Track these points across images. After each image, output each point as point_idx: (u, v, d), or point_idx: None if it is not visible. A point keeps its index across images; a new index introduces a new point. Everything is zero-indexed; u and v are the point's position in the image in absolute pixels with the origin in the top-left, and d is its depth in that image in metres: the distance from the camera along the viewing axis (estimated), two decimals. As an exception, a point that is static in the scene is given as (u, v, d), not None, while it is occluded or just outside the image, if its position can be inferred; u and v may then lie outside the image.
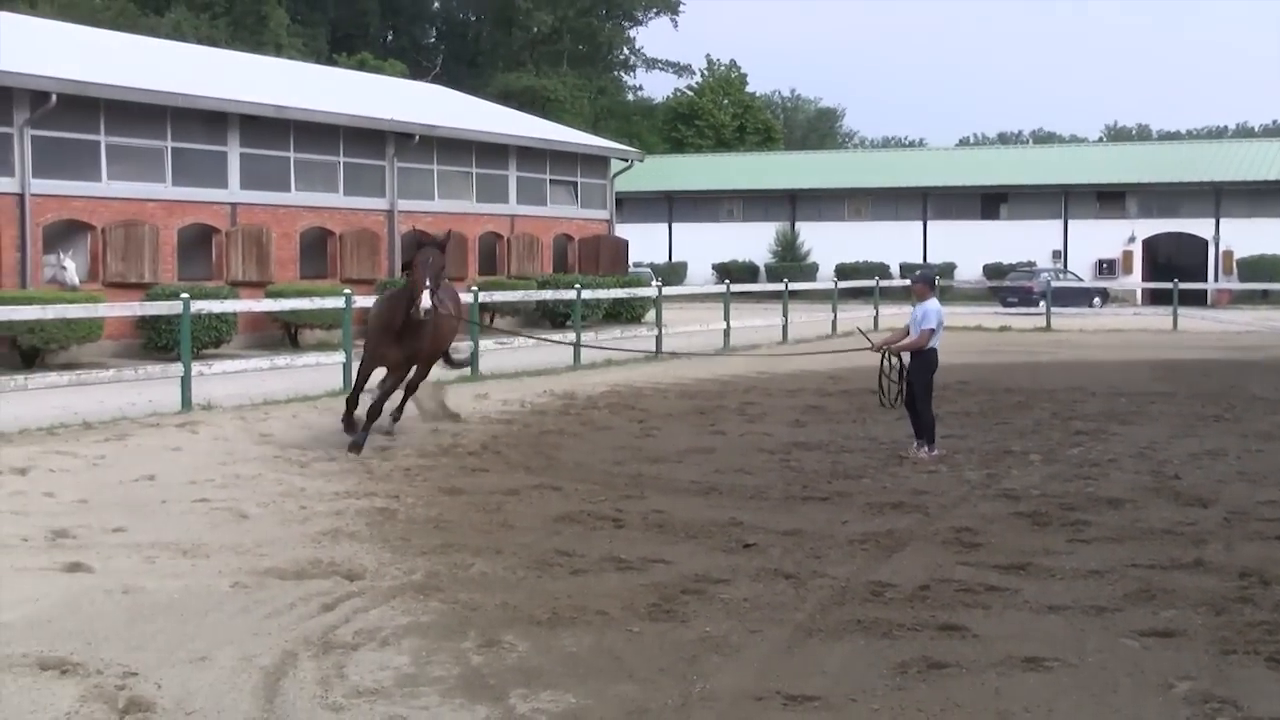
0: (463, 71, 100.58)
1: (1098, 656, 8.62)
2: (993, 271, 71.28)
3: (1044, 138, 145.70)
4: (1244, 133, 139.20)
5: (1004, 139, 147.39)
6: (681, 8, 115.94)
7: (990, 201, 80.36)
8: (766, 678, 8.10)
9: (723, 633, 9.05)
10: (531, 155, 49.05)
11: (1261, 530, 12.48)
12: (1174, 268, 67.75)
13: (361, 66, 78.51)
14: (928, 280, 17.88)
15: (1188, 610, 9.67)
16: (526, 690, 7.85)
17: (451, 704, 7.64)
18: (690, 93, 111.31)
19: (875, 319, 44.63)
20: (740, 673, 8.21)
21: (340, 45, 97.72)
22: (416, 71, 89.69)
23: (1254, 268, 69.52)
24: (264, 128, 37.77)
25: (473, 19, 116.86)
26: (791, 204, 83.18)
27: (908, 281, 49.85)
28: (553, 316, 42.36)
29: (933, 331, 16.96)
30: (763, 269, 78.57)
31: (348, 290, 27.14)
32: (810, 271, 76.82)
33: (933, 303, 17.22)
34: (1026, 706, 7.66)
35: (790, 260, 79.48)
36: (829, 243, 79.03)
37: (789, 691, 7.80)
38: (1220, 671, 8.31)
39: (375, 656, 8.48)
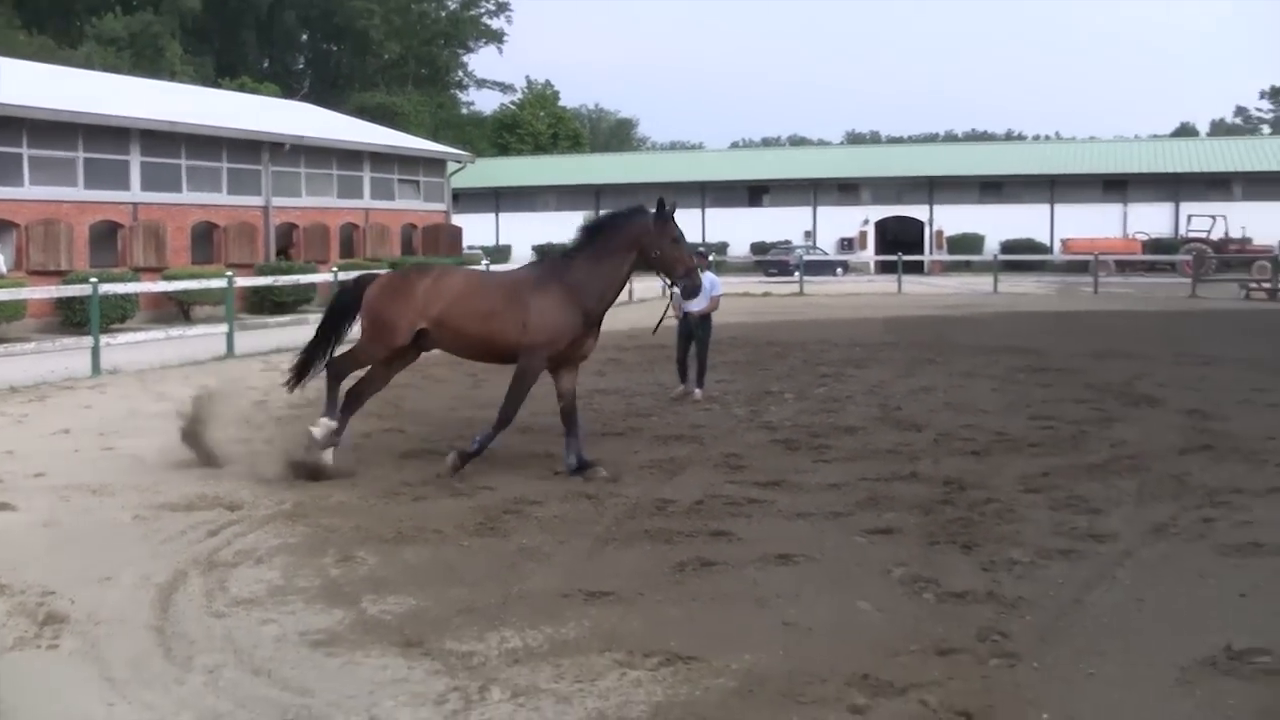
0: (326, 91, 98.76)
1: (835, 551, 8.79)
2: (757, 248, 71.73)
3: (798, 141, 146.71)
4: (950, 138, 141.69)
5: (766, 142, 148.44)
6: (505, 38, 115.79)
7: (755, 192, 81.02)
8: (572, 579, 8.14)
9: (536, 544, 9.09)
10: (382, 159, 48.66)
11: (961, 448, 12.78)
12: (899, 243, 68.73)
13: (242, 88, 76.62)
14: (703, 256, 18.15)
15: (904, 512, 9.90)
16: (376, 595, 7.83)
17: (314, 609, 7.60)
18: (513, 107, 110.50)
19: (663, 288, 44.69)
20: (550, 576, 8.25)
21: (224, 71, 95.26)
22: (288, 92, 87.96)
23: (959, 244, 71.03)
24: (160, 140, 36.92)
25: (334, 48, 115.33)
26: (596, 196, 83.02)
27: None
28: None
29: (719, 297, 17.23)
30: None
31: (230, 273, 26.74)
32: (613, 252, 76.77)
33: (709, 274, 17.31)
34: (778, 593, 7.80)
35: (596, 242, 79.40)
36: (629, 227, 79.14)
37: (589, 589, 7.86)
38: (927, 558, 8.54)
39: (251, 572, 8.39)
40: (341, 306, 12.91)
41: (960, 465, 11.88)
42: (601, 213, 12.90)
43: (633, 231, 12.04)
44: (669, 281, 12.26)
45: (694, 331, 17.15)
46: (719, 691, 6.17)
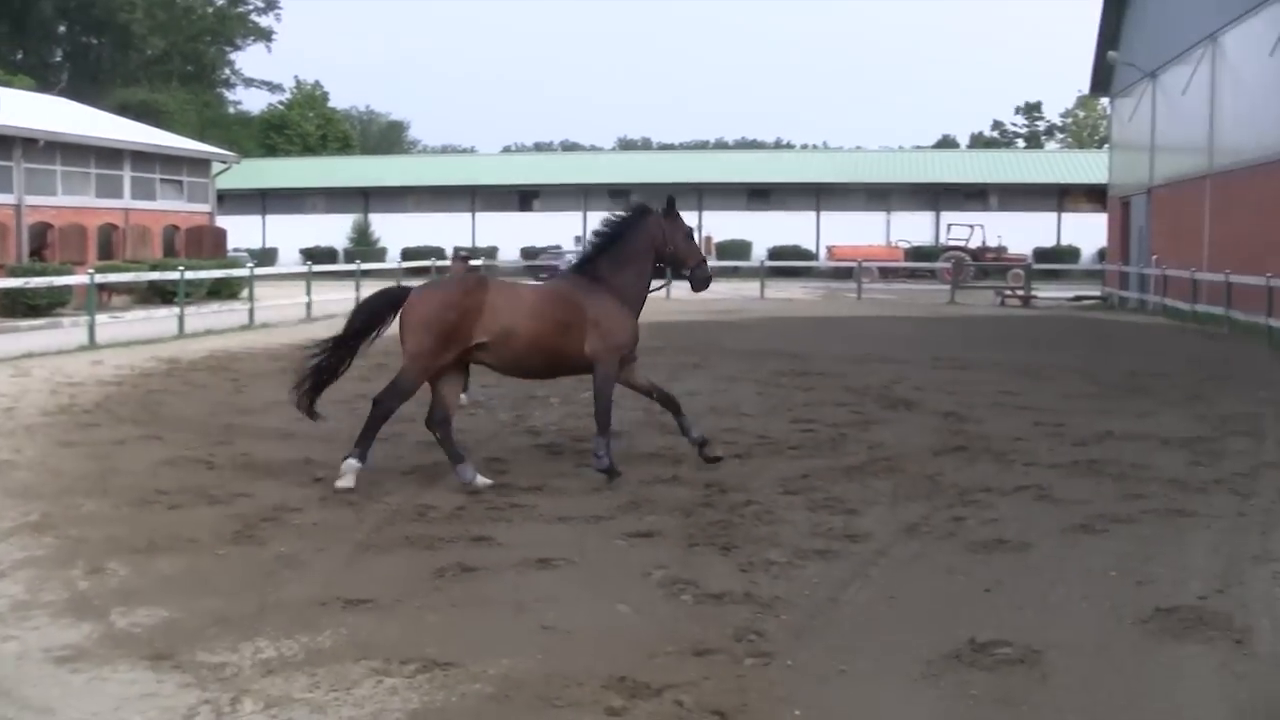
0: (86, 86, 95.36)
1: (595, 554, 8.85)
2: (528, 253, 71.93)
3: (570, 146, 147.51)
4: (720, 145, 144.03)
5: (539, 147, 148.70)
6: (274, 36, 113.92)
7: (526, 197, 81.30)
8: (330, 587, 8.03)
9: (294, 551, 8.94)
10: (144, 158, 47.35)
11: (724, 451, 12.90)
12: (669, 249, 69.70)
13: (-8, 82, 73.90)
14: (464, 259, 18.16)
15: (664, 515, 10.02)
16: (126, 608, 7.60)
17: (60, 624, 7.34)
18: (281, 107, 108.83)
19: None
20: (308, 584, 8.13)
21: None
22: (44, 86, 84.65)
23: (728, 249, 72.32)
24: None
25: (95, 42, 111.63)
26: (365, 199, 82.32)
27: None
28: (163, 294, 40.81)
29: None
30: (341, 253, 77.32)
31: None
32: (381, 254, 75.95)
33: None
34: (538, 597, 7.80)
35: (364, 245, 78.59)
36: (397, 231, 78.57)
37: (348, 597, 7.77)
38: (686, 560, 8.65)
39: (-8, 588, 8.07)
40: (369, 321, 12.24)
41: (722, 468, 12.05)
42: (609, 217, 12.75)
43: (651, 231, 12.49)
44: (686, 273, 12.63)
45: None
46: (475, 697, 6.16)
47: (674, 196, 12.46)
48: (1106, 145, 58.02)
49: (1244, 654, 6.74)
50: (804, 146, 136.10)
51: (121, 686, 6.34)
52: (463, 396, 16.68)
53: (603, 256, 12.26)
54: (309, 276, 36.64)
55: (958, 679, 6.38)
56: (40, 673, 6.55)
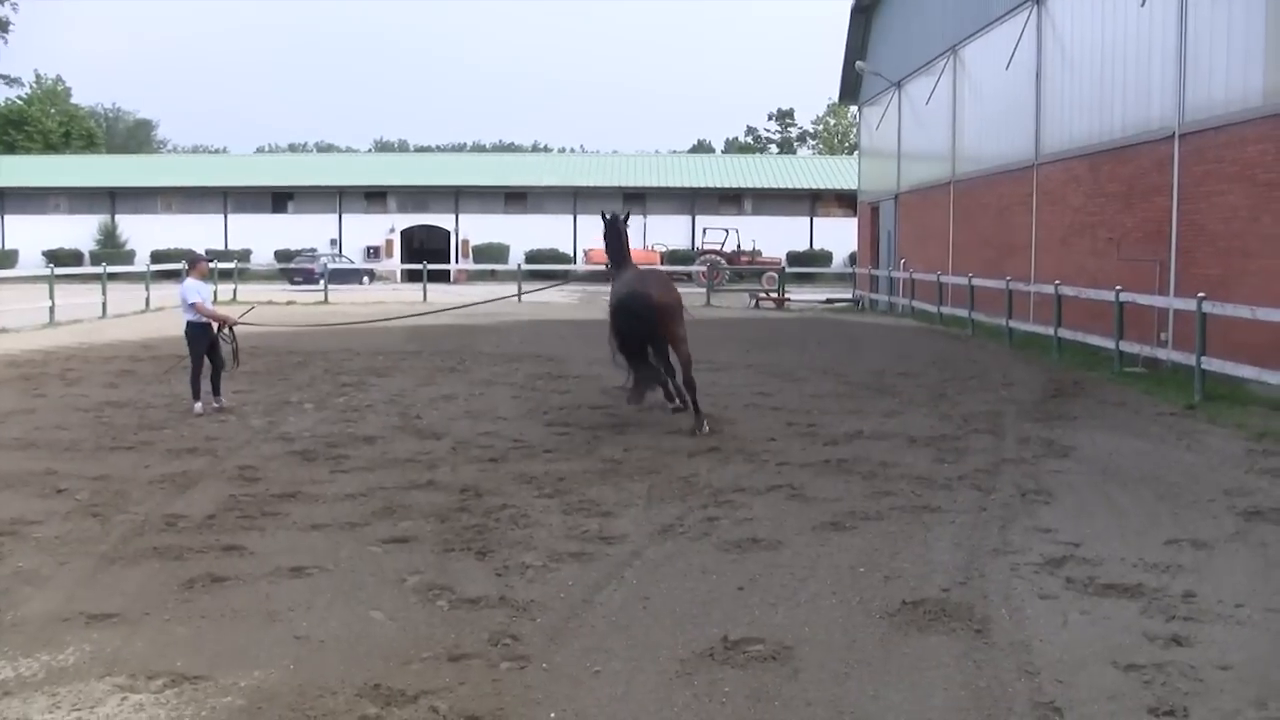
0: None
1: (349, 562, 8.78)
2: (282, 256, 70.66)
3: (325, 147, 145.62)
4: (478, 149, 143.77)
5: (293, 148, 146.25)
6: (11, 27, 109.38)
7: (280, 199, 79.85)
8: (73, 601, 7.80)
9: (34, 566, 8.64)
10: None
11: (479, 455, 12.99)
12: (426, 252, 69.34)
13: None
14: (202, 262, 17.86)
15: (420, 520, 9.99)
16: None
17: None
18: (20, 102, 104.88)
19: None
20: (49, 599, 7.87)
21: None
22: None
23: (485, 252, 72.23)
24: None
25: None
26: (112, 200, 79.80)
27: (211, 264, 48.99)
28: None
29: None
30: (88, 255, 74.78)
31: None
32: (129, 257, 73.67)
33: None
34: (291, 606, 7.72)
35: (111, 247, 76.16)
36: (146, 232, 76.46)
37: (92, 611, 7.57)
38: (442, 566, 8.64)
39: None
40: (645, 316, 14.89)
41: (478, 473, 12.06)
42: (608, 224, 17.03)
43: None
44: None
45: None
46: (226, 710, 6.05)
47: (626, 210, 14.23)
48: (857, 152, 59.61)
49: (984, 643, 7.02)
50: (562, 150, 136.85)
51: None
52: (215, 401, 16.38)
53: (629, 258, 17.03)
54: (52, 279, 35.30)
55: (711, 677, 6.50)
56: None
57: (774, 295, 46.97)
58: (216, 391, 16.64)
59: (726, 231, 68.51)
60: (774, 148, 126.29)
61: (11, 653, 6.86)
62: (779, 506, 10.60)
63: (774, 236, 72.29)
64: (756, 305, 45.67)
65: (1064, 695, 6.25)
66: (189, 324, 16.81)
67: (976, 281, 30.87)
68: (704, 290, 49.41)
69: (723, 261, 62.65)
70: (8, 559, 8.87)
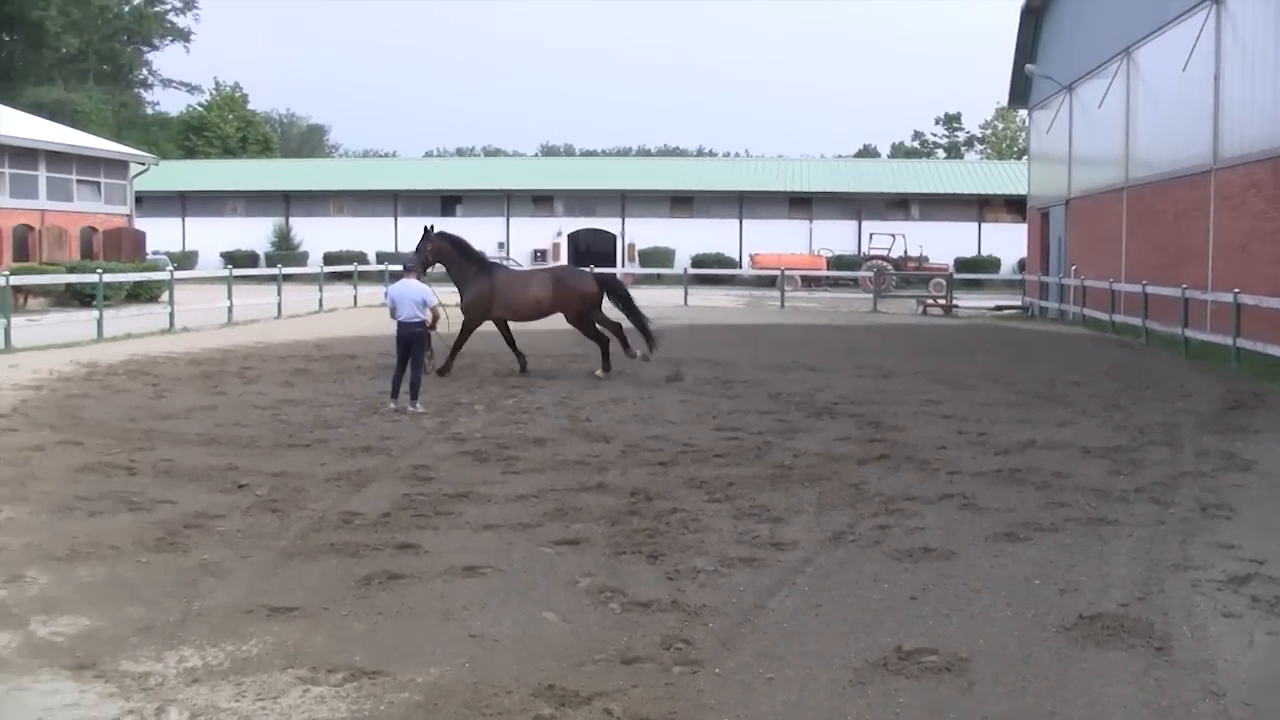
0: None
1: (522, 562, 8.84)
2: (451, 260, 71.62)
3: (493, 151, 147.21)
4: (643, 153, 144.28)
5: (461, 152, 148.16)
6: (193, 37, 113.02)
7: (448, 202, 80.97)
8: (255, 594, 7.97)
9: (218, 559, 8.86)
10: (60, 158, 46.67)
11: (649, 459, 13.01)
12: (592, 255, 69.78)
13: (-99, 79, 72.79)
14: (405, 265, 18.04)
15: (591, 523, 10.02)
16: (47, 616, 7.51)
17: (-25, 634, 7.24)
18: (200, 109, 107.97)
19: (355, 297, 44.46)
20: (232, 591, 8.06)
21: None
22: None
23: (651, 257, 72.46)
24: None
25: (6, 39, 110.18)
26: (286, 202, 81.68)
27: (383, 266, 49.70)
28: (81, 297, 40.33)
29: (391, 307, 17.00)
30: (263, 256, 76.64)
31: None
32: (302, 258, 75.35)
33: (395, 284, 17.18)
34: (465, 605, 7.79)
35: (285, 249, 77.94)
36: (318, 234, 78.07)
37: (273, 605, 7.72)
38: (614, 568, 8.66)
39: (-97, 602, 7.92)
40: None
41: (647, 476, 12.07)
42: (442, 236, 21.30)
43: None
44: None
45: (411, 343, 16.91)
46: (403, 706, 6.13)
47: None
48: (1025, 157, 58.65)
49: (1165, 661, 6.84)
50: (727, 154, 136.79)
51: (42, 696, 6.25)
52: (392, 403, 16.57)
53: None
54: (230, 280, 36.27)
55: (885, 687, 6.42)
56: (-42, 684, 6.46)
57: (941, 302, 46.43)
58: (415, 395, 16.79)
59: (893, 237, 67.89)
60: (941, 152, 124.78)
61: (199, 641, 7.04)
62: (951, 516, 10.46)
63: (941, 242, 71.39)
64: (924, 312, 45.21)
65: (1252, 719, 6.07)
66: (420, 324, 16.86)
67: (1150, 289, 30.17)
68: (870, 296, 49.01)
69: (889, 267, 62.07)
70: (193, 551, 9.12)
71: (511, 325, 21.88)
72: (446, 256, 21.40)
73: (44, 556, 8.89)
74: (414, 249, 21.32)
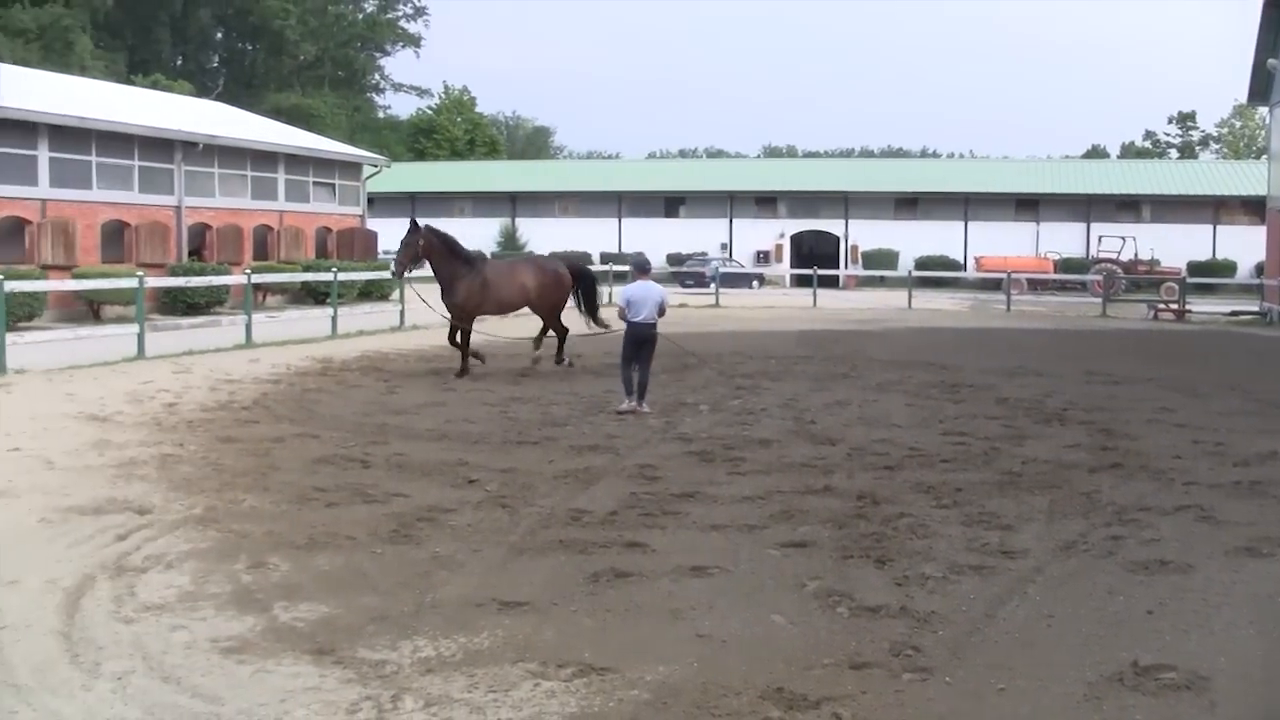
0: (240, 91, 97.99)
1: (748, 564, 8.83)
2: (674, 260, 71.91)
3: (715, 153, 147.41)
4: (866, 154, 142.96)
5: (684, 154, 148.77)
6: (423, 42, 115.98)
7: (672, 203, 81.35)
8: (485, 588, 8.11)
9: (450, 552, 9.05)
10: (297, 161, 48.12)
11: (874, 462, 12.88)
12: (815, 257, 69.45)
13: (155, 86, 75.81)
14: (637, 266, 17.86)
15: (817, 526, 9.95)
16: (288, 602, 7.77)
17: (225, 615, 7.53)
18: (430, 112, 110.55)
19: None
20: (464, 584, 8.22)
21: (137, 68, 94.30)
22: (201, 91, 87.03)
23: (874, 259, 71.76)
24: (70, 136, 36.26)
25: (249, 48, 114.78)
26: (512, 203, 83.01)
27: (607, 267, 50.21)
28: (315, 294, 41.61)
29: (621, 307, 16.93)
30: (489, 257, 77.89)
31: (141, 273, 26.50)
32: (528, 259, 76.33)
33: (633, 285, 17.09)
34: (693, 605, 7.81)
35: (512, 249, 79.21)
36: (544, 235, 79.03)
37: (503, 599, 7.84)
38: (840, 572, 8.59)
39: (161, 578, 8.28)
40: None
41: (874, 480, 11.96)
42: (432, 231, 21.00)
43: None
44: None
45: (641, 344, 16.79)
46: (632, 703, 6.17)
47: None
48: (1265, 156, 56.47)
49: None
50: (950, 155, 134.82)
51: (285, 679, 6.47)
52: (638, 406, 16.50)
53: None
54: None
55: (1121, 703, 6.24)
56: (208, 662, 6.72)
57: (1174, 307, 44.99)
58: (643, 395, 16.81)
59: (1123, 240, 66.00)
60: (1174, 152, 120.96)
61: (432, 632, 7.20)
62: (1188, 528, 10.11)
63: (1173, 245, 69.13)
64: (1155, 317, 43.86)
65: None
66: (654, 325, 16.78)
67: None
68: (1099, 300, 47.78)
69: (1119, 271, 60.38)
70: (426, 544, 9.33)
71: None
72: (435, 252, 20.77)
73: (285, 544, 9.21)
74: (400, 243, 20.91)
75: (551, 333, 21.97)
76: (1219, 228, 74.32)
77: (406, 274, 20.60)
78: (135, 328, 23.90)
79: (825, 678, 6.53)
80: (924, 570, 8.62)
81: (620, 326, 17.12)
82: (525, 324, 25.01)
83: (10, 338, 20.94)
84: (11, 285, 22.78)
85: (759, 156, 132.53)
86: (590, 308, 22.11)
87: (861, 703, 6.18)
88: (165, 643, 7.00)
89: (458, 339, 20.97)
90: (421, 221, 21.39)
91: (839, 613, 7.68)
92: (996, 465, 12.83)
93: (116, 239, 38.37)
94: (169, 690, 6.31)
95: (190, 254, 41.12)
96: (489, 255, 41.17)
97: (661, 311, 16.85)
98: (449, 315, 21.06)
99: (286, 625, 7.35)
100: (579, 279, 22.27)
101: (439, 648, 6.96)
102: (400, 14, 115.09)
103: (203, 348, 24.59)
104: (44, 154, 35.63)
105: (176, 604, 7.71)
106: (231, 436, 14.21)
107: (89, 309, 33.92)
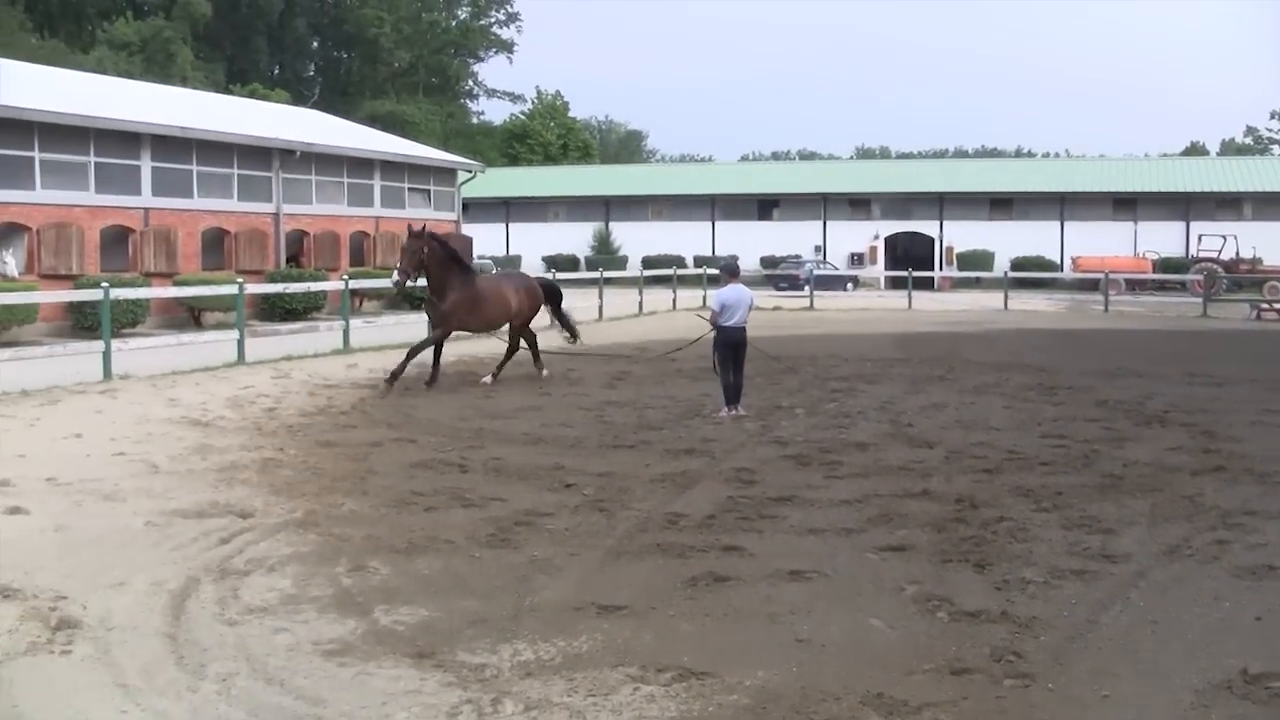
0: (336, 99, 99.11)
1: (847, 568, 8.79)
2: (767, 262, 71.69)
3: (808, 155, 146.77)
4: (960, 154, 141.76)
5: (776, 156, 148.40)
6: (516, 48, 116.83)
7: (765, 206, 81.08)
8: (583, 592, 8.14)
9: (548, 556, 9.09)
10: (393, 168, 48.50)
11: (973, 465, 12.77)
12: (909, 259, 68.82)
13: (253, 95, 77.00)
14: (726, 269, 17.55)
15: (916, 530, 9.89)
16: (388, 606, 7.85)
17: (327, 618, 7.63)
18: (523, 117, 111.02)
19: (674, 300, 44.94)
20: (562, 588, 8.26)
21: (235, 78, 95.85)
22: (298, 99, 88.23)
23: (969, 260, 71.07)
24: (171, 145, 36.85)
25: (345, 56, 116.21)
26: (606, 207, 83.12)
27: (700, 270, 50.19)
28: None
29: (715, 311, 16.84)
30: (583, 260, 78.23)
31: (240, 279, 26.89)
32: (621, 262, 76.45)
33: (725, 289, 16.92)
34: (791, 609, 7.79)
35: (605, 253, 79.25)
36: (637, 239, 79.06)
37: (602, 602, 7.87)
38: (940, 576, 8.53)
39: (264, 580, 8.42)
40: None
41: (972, 483, 11.85)
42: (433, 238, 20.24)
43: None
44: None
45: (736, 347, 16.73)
46: (733, 708, 6.16)
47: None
48: (1372, 153, 55.21)
49: None
50: (1045, 155, 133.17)
51: (387, 682, 6.54)
52: (738, 409, 16.45)
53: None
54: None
55: (1229, 712, 6.13)
56: (310, 665, 6.81)
57: (1277, 306, 44.18)
58: (739, 399, 16.71)
59: (1224, 238, 64.81)
60: (1276, 148, 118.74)
61: (531, 636, 7.24)
62: (1296, 533, 9.92)
63: (1276, 244, 67.84)
64: (1258, 317, 43.08)
65: None
66: (745, 330, 16.78)
67: None
68: (1199, 301, 47.02)
69: (1220, 270, 59.33)
70: (524, 547, 9.37)
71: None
72: (435, 259, 19.81)
73: (384, 548, 9.30)
74: (403, 249, 20.14)
75: (525, 347, 21.89)
76: (1325, 225, 72.78)
77: (409, 282, 19.86)
78: (235, 334, 24.25)
79: (925, 683, 6.48)
80: (1024, 574, 8.52)
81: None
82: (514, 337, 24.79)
83: (115, 344, 21.33)
84: (116, 293, 23.21)
85: (852, 158, 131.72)
86: (561, 318, 22.90)
87: (962, 709, 6.13)
88: (268, 645, 7.11)
89: (419, 352, 20.04)
90: (422, 227, 21.06)
91: (939, 617, 7.62)
92: (1097, 468, 12.65)
93: (216, 246, 38.97)
94: (272, 692, 6.40)
95: (288, 260, 41.62)
96: (581, 259, 41.34)
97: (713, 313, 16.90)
98: (431, 321, 20.59)
99: (387, 628, 7.42)
100: (548, 294, 22.61)
101: (538, 651, 6.99)
102: (493, 20, 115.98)
103: (301, 353, 24.91)
104: (147, 164, 36.26)
105: (279, 607, 7.82)
106: (330, 441, 14.38)
107: (190, 315, 34.45)
